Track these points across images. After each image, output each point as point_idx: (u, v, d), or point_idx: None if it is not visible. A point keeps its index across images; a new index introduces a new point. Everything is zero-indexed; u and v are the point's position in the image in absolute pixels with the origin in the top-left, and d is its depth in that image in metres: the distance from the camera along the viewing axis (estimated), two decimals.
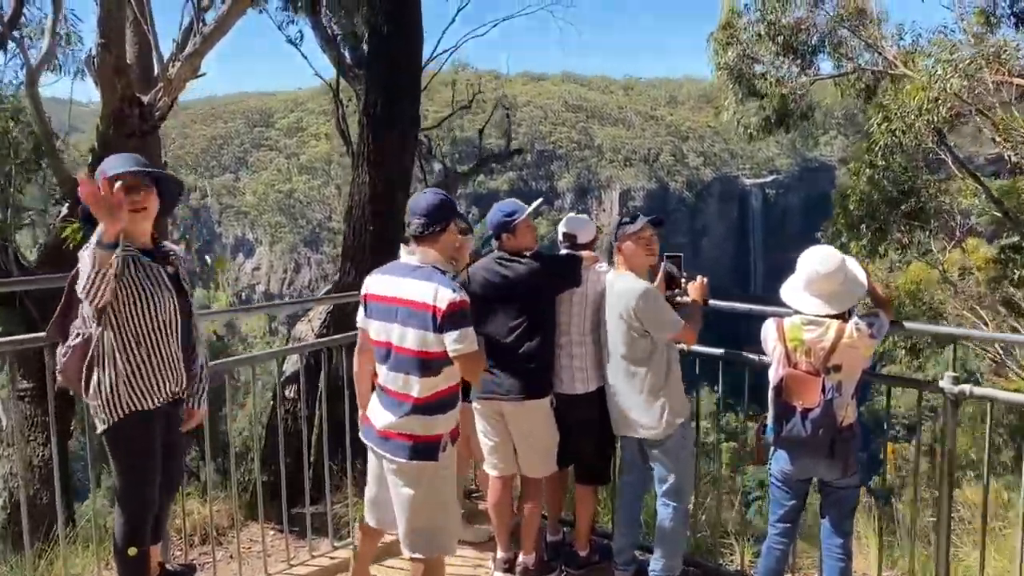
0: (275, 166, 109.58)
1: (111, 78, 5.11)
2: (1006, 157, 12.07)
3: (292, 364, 6.84)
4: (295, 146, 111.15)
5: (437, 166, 10.04)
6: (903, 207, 14.20)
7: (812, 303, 3.52)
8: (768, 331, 3.65)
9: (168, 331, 3.20)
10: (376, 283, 3.34)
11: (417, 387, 3.20)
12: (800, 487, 3.74)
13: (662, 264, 4.07)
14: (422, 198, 3.30)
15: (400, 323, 3.19)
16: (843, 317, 3.50)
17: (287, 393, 6.67)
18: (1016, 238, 13.09)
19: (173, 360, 3.25)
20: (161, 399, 3.22)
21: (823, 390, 3.44)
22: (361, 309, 3.42)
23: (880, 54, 13.98)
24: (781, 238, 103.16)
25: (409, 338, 3.17)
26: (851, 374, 3.51)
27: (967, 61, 11.48)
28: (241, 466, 6.68)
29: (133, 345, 3.12)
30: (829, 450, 3.49)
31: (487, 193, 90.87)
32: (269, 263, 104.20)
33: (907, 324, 4.72)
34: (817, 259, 3.52)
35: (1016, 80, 11.80)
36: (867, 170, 13.10)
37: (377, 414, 3.33)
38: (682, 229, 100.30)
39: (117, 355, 3.09)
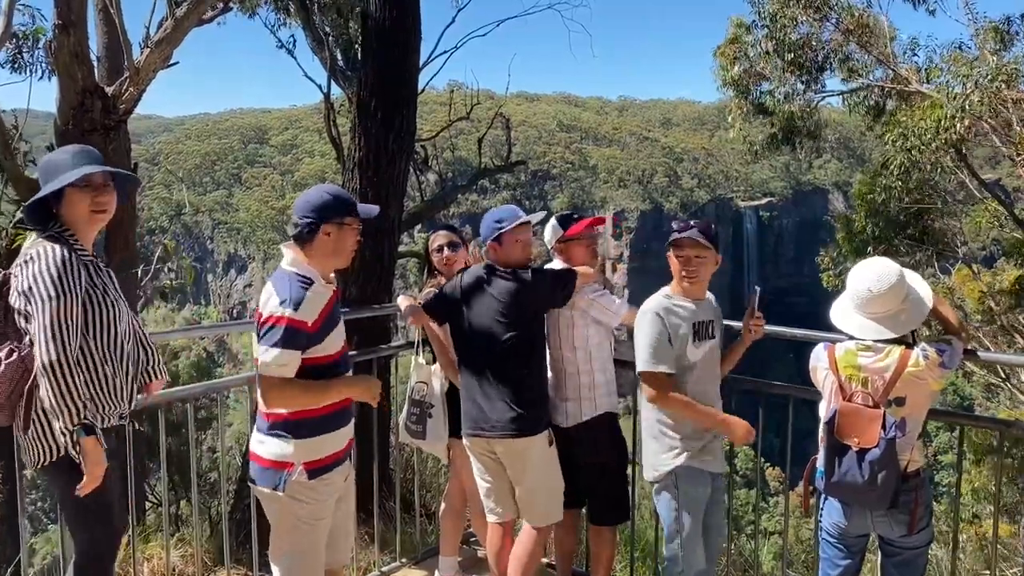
0: (269, 183, 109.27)
1: (70, 65, 4.55)
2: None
3: None
4: (289, 163, 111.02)
5: (432, 177, 9.53)
6: (911, 230, 13.76)
7: (867, 327, 2.96)
8: (818, 358, 3.10)
9: (125, 343, 2.82)
10: None
11: (263, 402, 2.84)
12: (857, 543, 3.17)
13: (758, 289, 3.49)
14: (305, 194, 2.92)
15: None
16: (907, 342, 2.96)
17: None
18: None
19: (127, 377, 2.86)
20: (113, 420, 2.83)
21: (884, 426, 2.86)
22: None
23: (892, 70, 13.57)
24: (775, 260, 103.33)
25: (254, 346, 2.86)
26: (917, 410, 2.96)
27: (987, 78, 11.07)
28: (210, 504, 6.11)
29: (95, 359, 2.70)
30: (892, 501, 2.91)
31: (480, 212, 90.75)
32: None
33: (983, 354, 3.95)
34: (871, 275, 2.96)
35: None
36: (879, 191, 12.61)
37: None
38: None
39: (74, 370, 2.60)
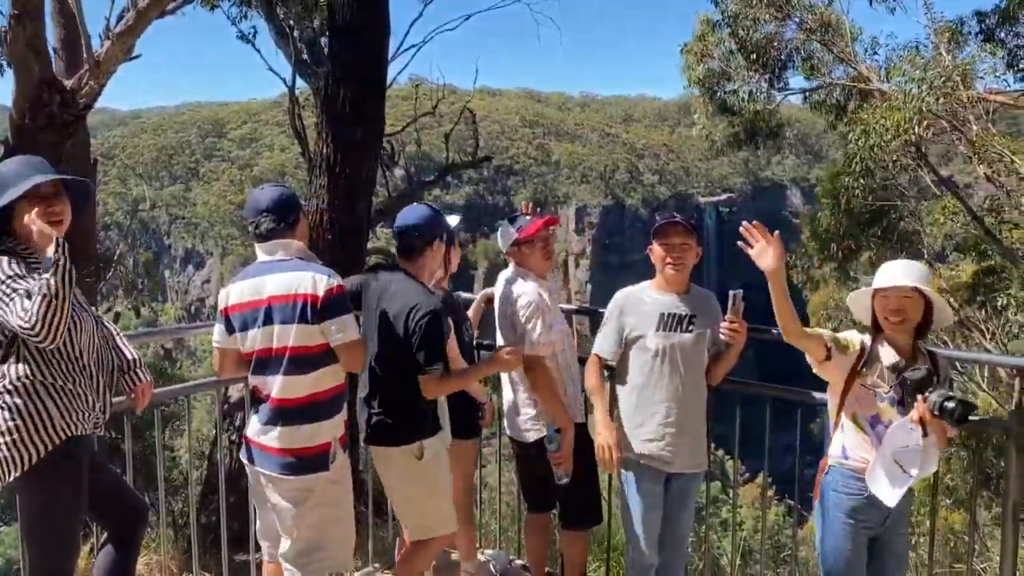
0: (227, 177, 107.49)
1: (26, 57, 4.37)
2: (981, 173, 11.92)
3: (239, 389, 6.11)
4: (248, 157, 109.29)
5: (399, 172, 9.43)
6: (875, 228, 13.96)
7: None
8: None
9: (90, 348, 2.76)
10: (236, 292, 3.04)
11: (292, 389, 2.96)
12: None
13: (736, 295, 3.34)
14: (262, 194, 3.05)
15: (272, 323, 2.94)
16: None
17: (235, 422, 5.94)
18: (991, 262, 12.83)
19: (99, 382, 2.81)
20: (90, 424, 2.76)
21: None
22: (219, 328, 3.10)
23: (854, 68, 13.78)
24: (733, 255, 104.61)
25: (284, 335, 2.93)
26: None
27: (941, 79, 11.30)
28: (176, 507, 5.97)
29: (61, 369, 2.64)
30: None
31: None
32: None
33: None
34: None
35: (992, 96, 11.69)
36: (842, 189, 12.79)
37: (257, 428, 3.05)
38: (638, 246, 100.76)
39: (38, 383, 2.58)
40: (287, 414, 2.97)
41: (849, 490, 2.94)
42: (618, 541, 4.78)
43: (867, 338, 2.96)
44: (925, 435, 2.73)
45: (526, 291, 3.59)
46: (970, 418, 2.70)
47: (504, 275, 3.81)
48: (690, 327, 3.39)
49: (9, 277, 2.50)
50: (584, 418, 3.80)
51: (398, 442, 3.33)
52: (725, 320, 3.30)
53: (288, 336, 2.91)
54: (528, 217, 3.73)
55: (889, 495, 2.78)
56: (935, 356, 2.95)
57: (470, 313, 4.19)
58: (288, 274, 2.93)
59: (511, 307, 3.61)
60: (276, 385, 2.96)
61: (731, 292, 3.31)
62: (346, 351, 2.96)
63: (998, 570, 3.32)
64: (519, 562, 4.59)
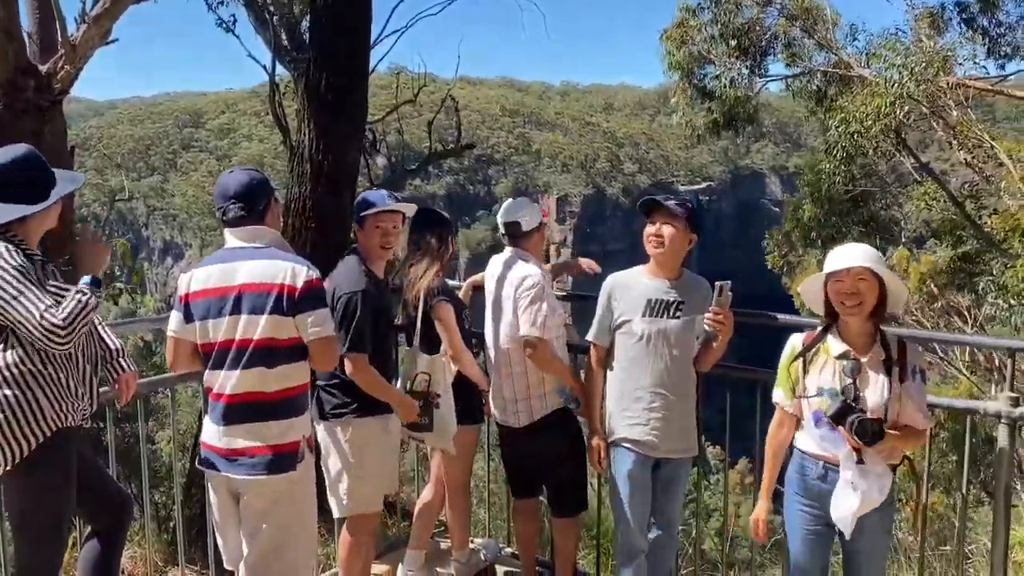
0: (206, 168, 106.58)
1: (1, 43, 4.27)
2: (960, 159, 12.05)
3: None
4: (226, 148, 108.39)
5: (381, 161, 9.34)
6: (856, 214, 14.03)
7: None
8: None
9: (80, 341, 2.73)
10: (200, 278, 2.83)
11: (256, 383, 2.76)
12: None
13: (723, 285, 3.20)
14: (231, 179, 2.89)
15: (240, 312, 2.75)
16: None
17: None
18: (968, 247, 12.96)
19: (87, 373, 2.78)
20: (79, 416, 2.74)
21: None
22: (175, 316, 2.88)
23: (834, 55, 13.83)
24: (714, 244, 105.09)
25: (251, 325, 2.74)
26: None
27: (921, 65, 11.37)
28: (158, 499, 5.91)
29: (50, 358, 2.62)
30: None
31: (423, 196, 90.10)
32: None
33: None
34: None
35: (971, 83, 11.79)
36: (824, 176, 12.84)
37: (216, 430, 2.82)
38: (619, 234, 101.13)
39: (27, 373, 2.57)
40: (251, 411, 2.78)
41: (797, 471, 3.01)
42: (607, 527, 4.78)
43: (804, 336, 2.94)
44: (860, 462, 2.72)
45: (531, 273, 3.59)
46: (881, 432, 2.66)
47: (500, 258, 3.78)
48: (677, 313, 3.34)
49: (16, 269, 2.49)
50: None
51: (323, 418, 3.42)
52: (709, 311, 3.20)
53: (255, 327, 2.73)
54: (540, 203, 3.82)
55: (839, 517, 2.80)
56: (903, 344, 2.83)
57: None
58: (264, 262, 2.77)
59: (515, 288, 3.59)
60: (234, 380, 2.76)
61: (717, 283, 3.18)
62: (319, 347, 2.80)
63: (985, 552, 3.33)
64: (509, 550, 4.57)
